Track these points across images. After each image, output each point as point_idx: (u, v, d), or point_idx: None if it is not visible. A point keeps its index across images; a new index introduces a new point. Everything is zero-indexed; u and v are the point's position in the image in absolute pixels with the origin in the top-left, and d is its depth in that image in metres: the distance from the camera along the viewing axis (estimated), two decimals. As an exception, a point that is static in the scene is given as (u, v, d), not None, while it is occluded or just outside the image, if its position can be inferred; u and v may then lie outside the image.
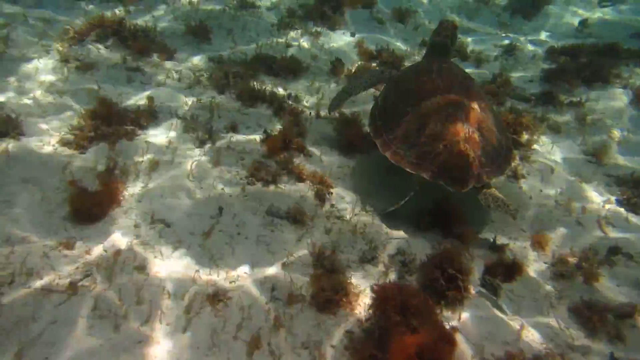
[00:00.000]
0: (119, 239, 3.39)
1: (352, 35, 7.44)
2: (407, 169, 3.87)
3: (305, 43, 6.96)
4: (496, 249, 3.82)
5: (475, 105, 3.97)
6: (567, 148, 5.33)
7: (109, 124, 4.40)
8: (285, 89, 5.77)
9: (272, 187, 4.16)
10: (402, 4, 8.61)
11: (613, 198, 4.60)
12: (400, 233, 3.88)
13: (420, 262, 3.55)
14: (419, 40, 7.60)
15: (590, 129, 5.66)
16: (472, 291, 3.39)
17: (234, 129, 4.86)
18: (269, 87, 5.60)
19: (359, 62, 6.67)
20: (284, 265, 3.44)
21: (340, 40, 7.24)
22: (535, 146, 5.24)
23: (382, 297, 3.03)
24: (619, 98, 6.26)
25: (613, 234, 4.17)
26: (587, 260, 3.73)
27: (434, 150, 3.83)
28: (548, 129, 5.57)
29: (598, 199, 4.60)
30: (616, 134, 5.59)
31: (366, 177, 4.50)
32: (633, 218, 4.37)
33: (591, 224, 4.26)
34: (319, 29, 7.30)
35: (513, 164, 4.81)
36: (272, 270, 3.38)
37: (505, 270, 3.20)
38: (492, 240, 3.88)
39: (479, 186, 3.85)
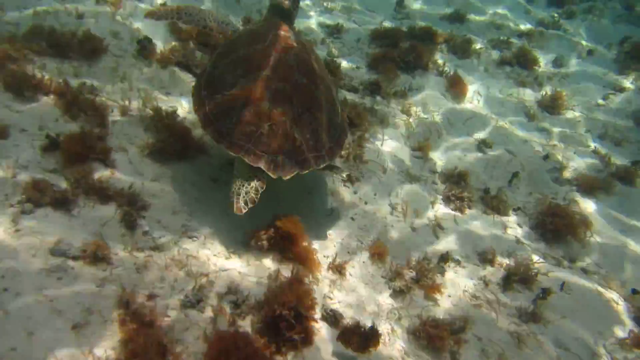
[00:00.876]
0: None
1: (163, 4, 6.27)
2: (228, 151, 3.37)
3: (102, 15, 5.57)
4: (338, 269, 3.54)
5: (308, 81, 3.59)
6: (395, 143, 5.24)
7: None
8: (77, 75, 4.54)
9: (60, 215, 3.17)
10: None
11: (439, 197, 4.67)
12: (232, 262, 3.31)
13: (255, 301, 3.03)
14: (242, 14, 6.85)
15: (415, 121, 5.69)
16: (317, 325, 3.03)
17: (1, 134, 3.60)
18: (54, 75, 4.33)
19: (174, 43, 5.62)
20: (74, 329, 2.58)
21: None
22: (367, 143, 5.00)
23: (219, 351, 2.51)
24: (436, 86, 6.41)
25: (445, 237, 4.23)
26: (423, 272, 3.66)
27: (257, 130, 3.36)
28: (377, 122, 5.43)
29: (428, 199, 4.62)
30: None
31: (189, 189, 3.77)
32: (460, 217, 4.49)
33: (424, 228, 4.26)
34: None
35: (346, 166, 4.57)
36: (58, 337, 2.50)
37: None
38: (331, 260, 3.59)
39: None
